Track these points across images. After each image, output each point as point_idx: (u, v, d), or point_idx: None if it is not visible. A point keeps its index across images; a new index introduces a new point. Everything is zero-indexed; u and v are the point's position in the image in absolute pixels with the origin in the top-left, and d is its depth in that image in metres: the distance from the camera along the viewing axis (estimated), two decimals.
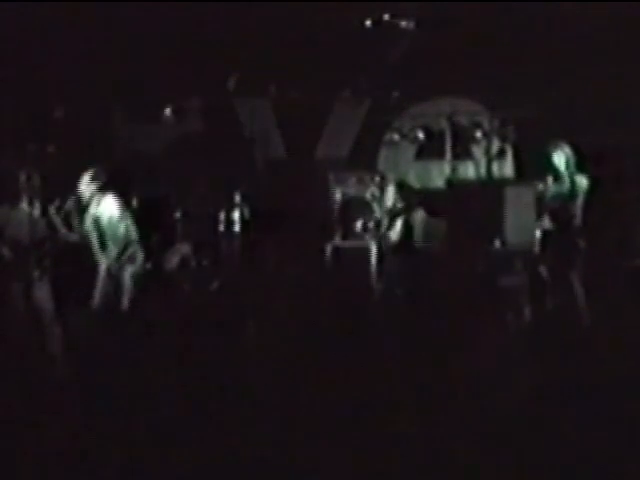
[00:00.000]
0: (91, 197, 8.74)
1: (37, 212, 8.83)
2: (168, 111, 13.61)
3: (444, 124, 13.33)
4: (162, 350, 9.00)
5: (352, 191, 12.78)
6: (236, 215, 12.50)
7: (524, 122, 12.46)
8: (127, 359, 8.55)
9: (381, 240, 11.60)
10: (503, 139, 13.09)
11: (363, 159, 13.57)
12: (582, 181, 9.13)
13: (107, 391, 7.43)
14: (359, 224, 12.03)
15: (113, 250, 8.74)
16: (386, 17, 11.60)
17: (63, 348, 8.72)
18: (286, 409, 7.22)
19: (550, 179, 9.37)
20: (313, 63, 12.36)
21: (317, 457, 6.16)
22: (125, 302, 8.75)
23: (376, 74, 12.66)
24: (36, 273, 8.71)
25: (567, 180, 9.17)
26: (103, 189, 8.74)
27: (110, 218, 8.72)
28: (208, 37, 11.50)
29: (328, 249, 11.37)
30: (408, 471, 5.98)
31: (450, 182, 13.41)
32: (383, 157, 13.78)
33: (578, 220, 9.09)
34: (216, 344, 8.99)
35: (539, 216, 9.41)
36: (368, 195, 12.73)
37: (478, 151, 13.30)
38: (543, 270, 9.20)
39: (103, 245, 8.76)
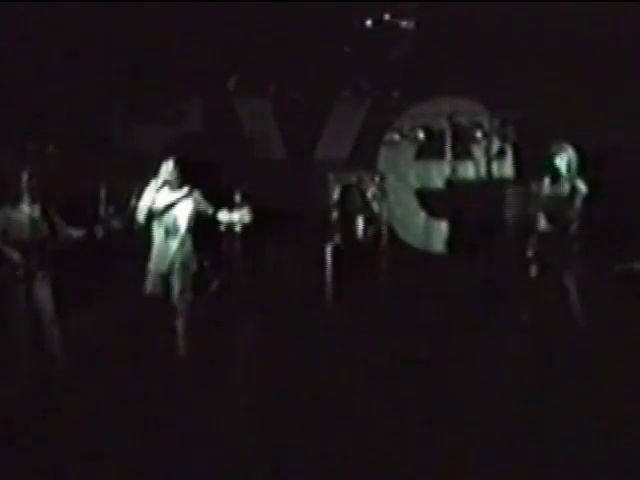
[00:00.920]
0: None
1: (38, 212, 8.83)
2: (168, 111, 13.60)
3: (444, 124, 13.32)
4: (162, 348, 9.02)
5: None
6: (236, 215, 12.47)
7: (524, 122, 12.45)
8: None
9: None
10: (503, 139, 13.07)
11: (363, 159, 13.57)
12: (582, 185, 9.13)
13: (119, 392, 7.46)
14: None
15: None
16: (386, 17, 11.60)
17: (63, 348, 8.73)
18: (286, 409, 7.23)
19: (547, 180, 9.37)
20: (313, 63, 12.36)
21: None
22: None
23: (376, 74, 12.66)
24: (36, 273, 8.71)
25: (567, 183, 9.17)
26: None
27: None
28: (208, 37, 11.50)
29: (328, 249, 11.36)
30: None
31: (450, 182, 13.42)
32: (383, 157, 13.77)
33: (575, 223, 9.10)
34: (216, 344, 9.00)
35: (534, 217, 9.41)
36: (368, 195, 12.75)
37: (478, 151, 13.28)
38: (539, 271, 9.21)
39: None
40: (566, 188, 9.16)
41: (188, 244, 9.08)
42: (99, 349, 9.07)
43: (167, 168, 9.13)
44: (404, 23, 11.48)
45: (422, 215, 13.69)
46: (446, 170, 13.45)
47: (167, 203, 9.12)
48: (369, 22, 11.42)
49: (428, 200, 13.67)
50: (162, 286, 9.04)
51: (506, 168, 13.15)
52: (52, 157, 12.80)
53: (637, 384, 7.49)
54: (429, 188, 13.65)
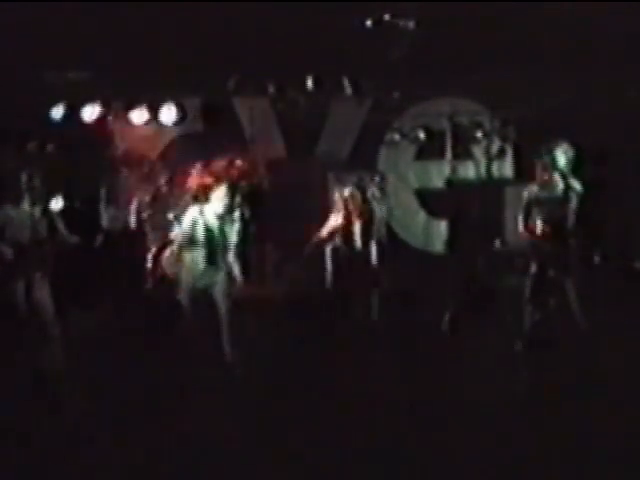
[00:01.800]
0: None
1: (38, 212, 8.84)
2: (168, 111, 13.60)
3: (444, 124, 13.33)
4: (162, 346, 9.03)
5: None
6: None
7: (524, 122, 12.46)
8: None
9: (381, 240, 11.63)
10: (503, 139, 13.08)
11: (363, 159, 13.58)
12: (576, 184, 9.13)
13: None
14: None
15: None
16: (386, 17, 11.57)
17: (63, 348, 8.73)
18: (286, 410, 7.23)
19: (545, 180, 9.36)
20: (313, 63, 12.36)
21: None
22: None
23: (376, 74, 12.65)
24: (36, 273, 8.72)
25: (561, 182, 9.16)
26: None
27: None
28: (208, 37, 11.49)
29: (328, 249, 11.35)
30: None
31: (450, 182, 13.42)
32: (383, 157, 13.79)
33: (571, 223, 9.09)
34: (215, 344, 9.00)
35: (533, 216, 9.40)
36: (368, 195, 12.74)
37: (478, 151, 13.29)
38: (537, 272, 9.20)
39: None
40: (561, 187, 9.16)
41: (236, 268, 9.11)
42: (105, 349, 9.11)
43: (219, 193, 9.11)
44: (404, 23, 11.45)
45: (422, 215, 13.70)
46: (446, 170, 13.46)
47: (213, 225, 9.08)
48: (369, 22, 11.40)
49: (428, 200, 13.68)
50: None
51: (506, 168, 13.16)
52: (52, 157, 12.82)
53: (637, 384, 7.51)
54: (429, 188, 13.67)
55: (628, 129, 11.46)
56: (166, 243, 11.28)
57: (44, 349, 8.68)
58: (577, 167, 9.28)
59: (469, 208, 12.89)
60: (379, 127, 13.60)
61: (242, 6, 10.45)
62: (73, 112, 13.30)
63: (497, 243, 12.38)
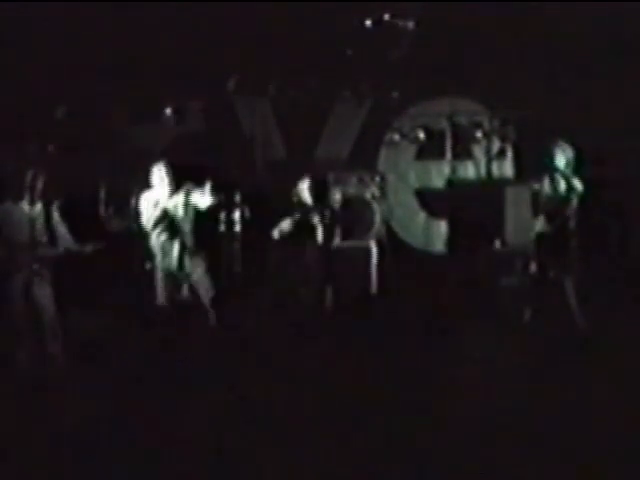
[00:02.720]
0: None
1: (37, 212, 8.82)
2: (168, 111, 13.60)
3: (444, 124, 13.32)
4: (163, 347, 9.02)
5: (352, 191, 12.78)
6: (236, 215, 12.49)
7: (524, 122, 12.46)
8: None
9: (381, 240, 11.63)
10: (503, 139, 13.08)
11: (363, 159, 13.57)
12: (578, 183, 9.12)
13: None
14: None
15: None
16: (386, 17, 11.59)
17: (63, 348, 8.72)
18: (286, 409, 7.22)
19: (546, 179, 9.36)
20: (313, 63, 12.35)
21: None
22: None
23: (376, 74, 12.65)
24: (36, 273, 8.70)
25: (563, 181, 9.16)
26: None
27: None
28: (208, 37, 11.49)
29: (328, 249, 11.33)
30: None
31: (450, 182, 13.41)
32: (383, 157, 13.77)
33: (572, 222, 9.09)
34: (215, 343, 9.00)
35: (535, 217, 9.41)
36: (368, 195, 12.74)
37: (478, 151, 13.28)
38: (538, 272, 9.20)
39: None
40: (562, 187, 9.15)
41: (191, 244, 9.25)
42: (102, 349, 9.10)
43: (159, 173, 9.33)
44: (404, 23, 11.46)
45: (422, 215, 13.69)
46: (446, 170, 13.45)
47: (165, 206, 9.25)
48: (369, 22, 11.41)
49: (428, 200, 13.66)
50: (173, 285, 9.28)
51: (506, 168, 13.15)
52: (52, 157, 12.80)
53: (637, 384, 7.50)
54: (429, 188, 13.65)
55: (628, 129, 11.45)
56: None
57: (44, 349, 8.67)
58: (577, 167, 9.28)
59: (469, 208, 12.88)
60: (379, 127, 13.59)
61: (242, 6, 10.47)
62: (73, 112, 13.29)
63: (497, 243, 12.38)
